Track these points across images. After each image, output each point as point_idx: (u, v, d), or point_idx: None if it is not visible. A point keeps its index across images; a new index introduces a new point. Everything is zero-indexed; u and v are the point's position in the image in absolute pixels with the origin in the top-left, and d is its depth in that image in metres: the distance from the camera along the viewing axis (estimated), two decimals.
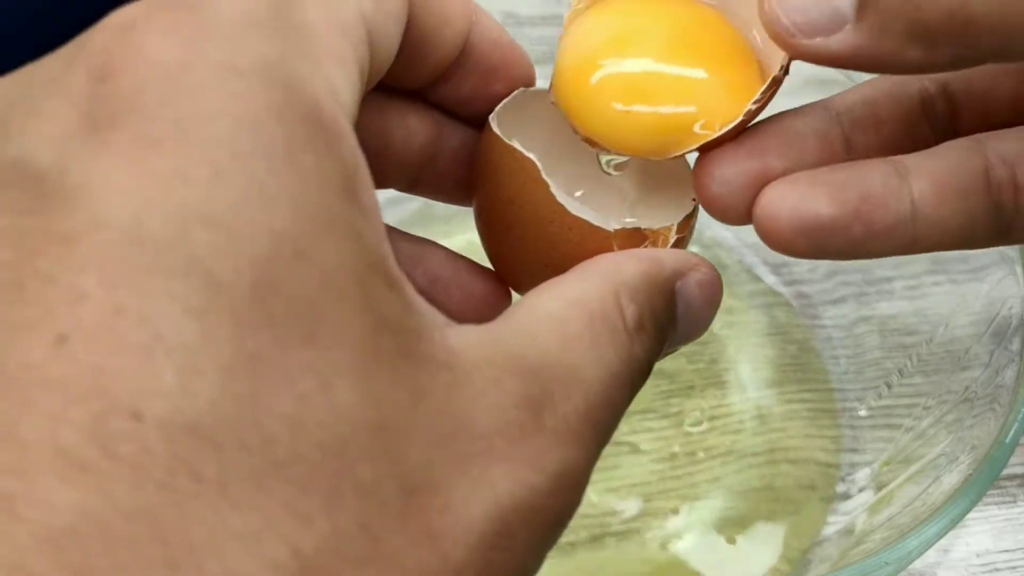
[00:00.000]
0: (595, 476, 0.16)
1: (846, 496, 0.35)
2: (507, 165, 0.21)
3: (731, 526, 0.35)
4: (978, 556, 0.34)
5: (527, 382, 0.15)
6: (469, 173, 0.23)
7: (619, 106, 0.21)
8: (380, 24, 0.17)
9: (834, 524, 0.34)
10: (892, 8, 0.18)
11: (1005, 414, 0.29)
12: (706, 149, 0.21)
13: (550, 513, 0.15)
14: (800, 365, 0.39)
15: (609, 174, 0.23)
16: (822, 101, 0.22)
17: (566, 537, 0.31)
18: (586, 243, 0.21)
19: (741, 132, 0.21)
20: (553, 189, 0.21)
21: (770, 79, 0.20)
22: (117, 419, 0.12)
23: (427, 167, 0.22)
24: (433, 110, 0.22)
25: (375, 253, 0.14)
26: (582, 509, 0.16)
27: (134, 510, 0.12)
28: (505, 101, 0.22)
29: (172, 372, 0.12)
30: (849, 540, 0.32)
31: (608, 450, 0.17)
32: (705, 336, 0.20)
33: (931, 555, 0.34)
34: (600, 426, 0.16)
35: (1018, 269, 0.32)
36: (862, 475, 0.35)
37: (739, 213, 0.20)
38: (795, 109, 0.22)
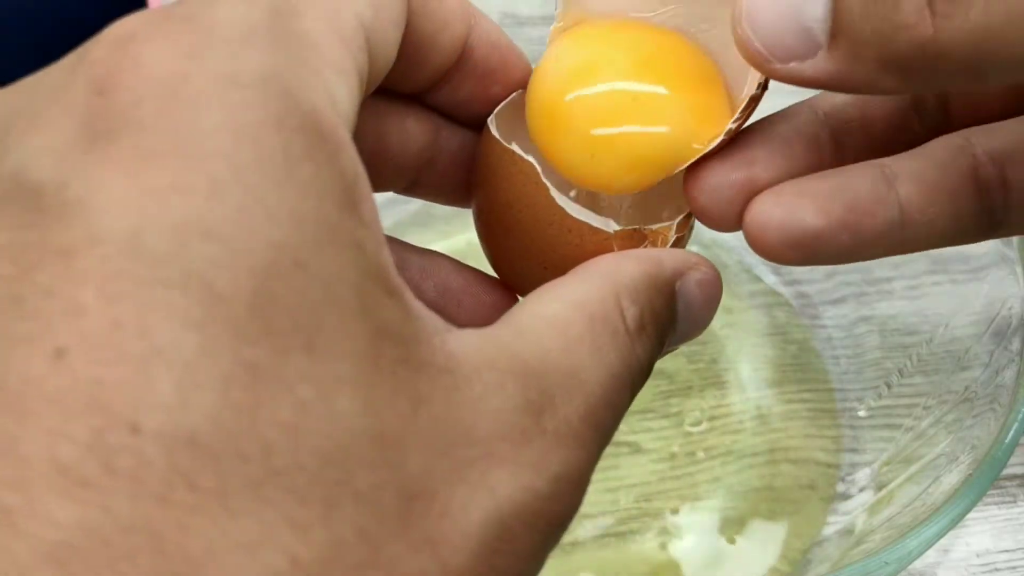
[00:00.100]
0: (595, 476, 0.16)
1: (846, 496, 0.35)
2: (506, 168, 0.21)
3: (731, 526, 0.35)
4: (978, 556, 0.34)
5: (528, 385, 0.15)
6: (468, 175, 0.22)
7: (597, 131, 0.21)
8: (379, 31, 0.17)
9: (834, 524, 0.34)
10: (862, 39, 0.17)
11: (1005, 414, 0.29)
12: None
13: (551, 516, 0.15)
14: (800, 365, 0.39)
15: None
16: (808, 100, 0.22)
17: (566, 537, 0.31)
18: (586, 244, 0.21)
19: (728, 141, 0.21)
20: (552, 191, 0.20)
21: (748, 98, 0.20)
22: (116, 433, 0.12)
23: (426, 170, 0.22)
24: (431, 113, 0.22)
25: (374, 262, 0.14)
26: (582, 509, 0.16)
27: (133, 524, 0.12)
28: (504, 103, 0.22)
29: (170, 384, 0.12)
30: (849, 540, 0.32)
31: (608, 450, 0.17)
32: (705, 336, 0.20)
33: (931, 555, 0.34)
34: (601, 428, 0.16)
35: (1018, 269, 0.32)
36: (862, 475, 0.35)
37: (730, 223, 0.20)
38: (781, 112, 0.22)
